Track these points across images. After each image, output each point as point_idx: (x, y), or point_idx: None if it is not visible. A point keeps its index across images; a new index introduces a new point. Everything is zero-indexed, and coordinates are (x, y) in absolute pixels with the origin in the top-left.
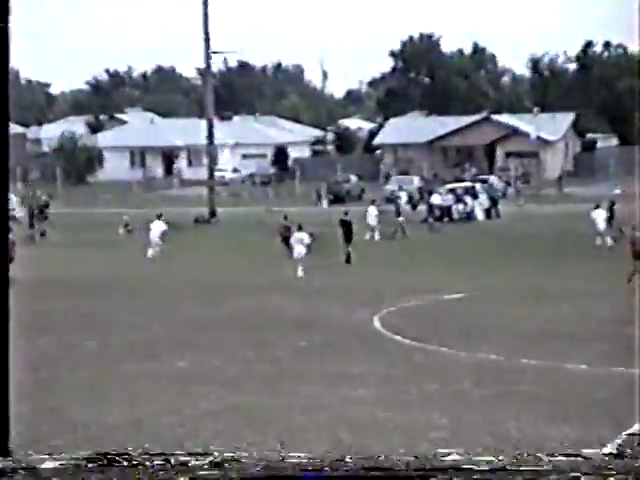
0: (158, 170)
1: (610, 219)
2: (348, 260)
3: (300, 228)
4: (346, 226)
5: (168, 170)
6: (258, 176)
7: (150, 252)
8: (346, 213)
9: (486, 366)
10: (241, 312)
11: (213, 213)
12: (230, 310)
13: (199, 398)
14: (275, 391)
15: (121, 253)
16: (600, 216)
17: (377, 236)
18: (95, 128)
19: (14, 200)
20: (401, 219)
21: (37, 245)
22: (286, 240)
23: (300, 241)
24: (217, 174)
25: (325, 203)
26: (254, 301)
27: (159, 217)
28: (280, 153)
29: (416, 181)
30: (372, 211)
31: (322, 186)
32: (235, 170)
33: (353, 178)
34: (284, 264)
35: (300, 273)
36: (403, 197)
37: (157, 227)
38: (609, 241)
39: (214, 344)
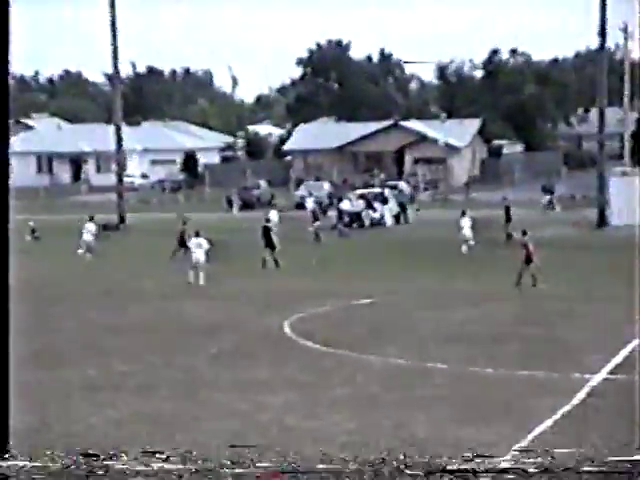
0: (66, 176)
1: (507, 222)
2: (276, 264)
3: (197, 234)
4: (266, 232)
5: (76, 176)
6: (167, 182)
7: (81, 251)
8: (267, 220)
9: (394, 370)
10: (149, 318)
11: (122, 219)
12: (138, 316)
13: (106, 406)
14: (184, 398)
15: (27, 260)
16: (466, 223)
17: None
18: None
19: None
20: (317, 224)
21: None
22: (182, 243)
23: (199, 246)
24: (126, 180)
25: (236, 209)
26: (162, 307)
27: (91, 219)
28: (189, 159)
29: (326, 187)
30: (273, 216)
31: (233, 192)
32: (144, 176)
33: (263, 184)
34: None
35: (201, 280)
36: (309, 203)
37: (90, 229)
38: (464, 248)
39: (122, 351)
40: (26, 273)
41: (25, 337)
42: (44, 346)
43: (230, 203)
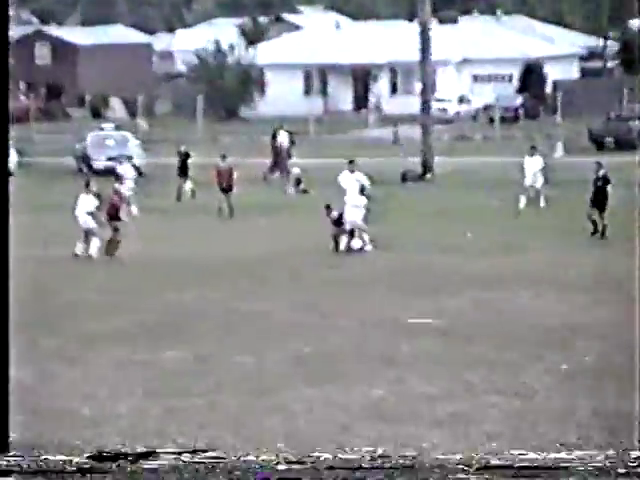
0: (346, 100)
1: None
2: (602, 233)
3: (362, 191)
4: (597, 183)
5: (361, 100)
6: (499, 109)
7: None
8: (599, 165)
9: None
10: (464, 312)
11: (428, 166)
12: (447, 311)
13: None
14: (512, 436)
15: (288, 222)
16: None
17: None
18: (253, 36)
19: (133, 144)
20: None
21: (177, 211)
22: None
23: (355, 207)
24: (435, 106)
25: (560, 151)
26: (482, 297)
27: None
28: (532, 73)
29: None
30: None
31: (593, 125)
32: (462, 100)
33: None
34: (541, 246)
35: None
36: None
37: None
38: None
39: (415, 362)
40: (283, 241)
41: (296, 337)
42: (321, 351)
43: (596, 141)
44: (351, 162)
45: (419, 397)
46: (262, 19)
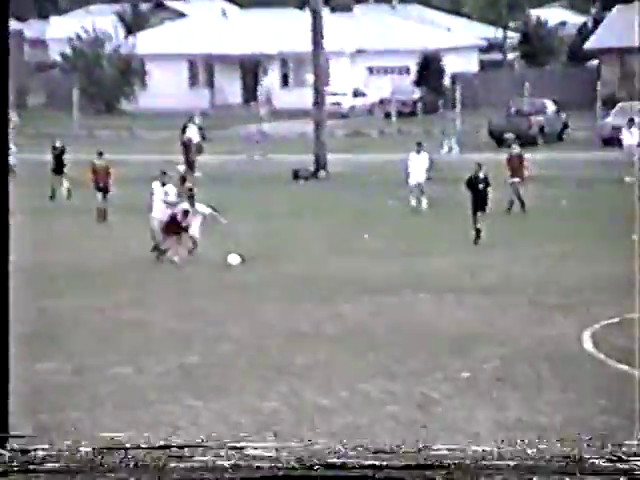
0: (234, 93)
1: None
2: (477, 238)
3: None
4: (478, 186)
5: (251, 92)
6: (395, 103)
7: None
8: (480, 166)
9: None
10: (367, 318)
11: (321, 164)
12: (351, 316)
13: None
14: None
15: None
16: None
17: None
18: (133, 24)
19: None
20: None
21: (51, 212)
22: None
23: (203, 220)
24: (329, 100)
25: (455, 148)
26: (383, 303)
27: None
28: (430, 65)
29: None
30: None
31: (493, 119)
32: (357, 93)
33: (549, 105)
34: (438, 249)
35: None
36: (628, 138)
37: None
38: None
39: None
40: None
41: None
42: None
43: (496, 136)
44: (164, 173)
45: (313, 409)
46: (143, 5)
